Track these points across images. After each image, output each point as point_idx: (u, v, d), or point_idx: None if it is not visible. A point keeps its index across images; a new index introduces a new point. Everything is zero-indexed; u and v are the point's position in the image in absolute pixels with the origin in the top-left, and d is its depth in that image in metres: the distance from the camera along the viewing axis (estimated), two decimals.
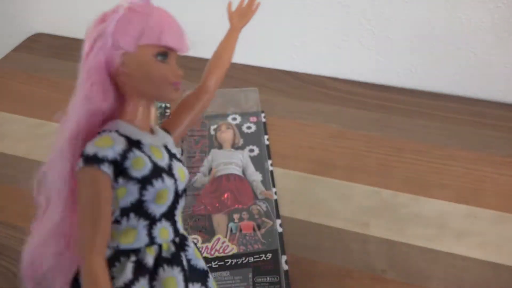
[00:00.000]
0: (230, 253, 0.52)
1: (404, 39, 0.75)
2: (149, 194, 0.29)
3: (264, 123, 0.70)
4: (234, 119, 0.69)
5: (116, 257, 0.29)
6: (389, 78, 0.80)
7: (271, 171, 0.62)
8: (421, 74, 0.78)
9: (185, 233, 0.33)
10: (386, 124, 0.71)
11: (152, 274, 0.29)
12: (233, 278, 0.50)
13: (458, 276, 0.51)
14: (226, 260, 0.51)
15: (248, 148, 0.65)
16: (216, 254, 0.52)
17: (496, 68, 0.73)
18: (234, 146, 0.65)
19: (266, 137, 0.68)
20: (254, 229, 0.54)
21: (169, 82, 0.29)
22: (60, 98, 0.82)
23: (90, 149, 0.28)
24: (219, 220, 0.55)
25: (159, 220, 0.30)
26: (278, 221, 0.55)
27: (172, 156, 0.32)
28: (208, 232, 0.54)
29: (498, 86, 0.75)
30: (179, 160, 0.32)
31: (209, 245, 0.52)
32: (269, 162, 0.64)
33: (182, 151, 0.64)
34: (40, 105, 0.76)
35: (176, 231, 0.31)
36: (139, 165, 0.29)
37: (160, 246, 0.30)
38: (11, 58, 0.89)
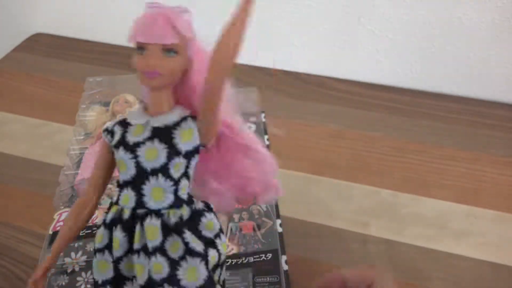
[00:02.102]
0: (230, 253, 0.52)
1: (404, 39, 0.75)
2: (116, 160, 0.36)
3: (264, 123, 0.70)
4: None
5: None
6: (389, 78, 0.80)
7: None
8: (421, 74, 0.78)
9: (167, 214, 0.34)
10: (386, 124, 0.71)
11: (109, 228, 0.35)
12: (233, 278, 0.49)
13: (458, 276, 0.51)
14: (226, 260, 0.51)
15: None
16: None
17: (496, 68, 0.73)
18: None
19: (266, 137, 0.67)
20: (254, 229, 0.54)
21: (141, 72, 0.34)
22: (60, 98, 0.83)
23: None
24: (219, 220, 0.55)
25: (125, 186, 0.35)
26: (278, 221, 0.55)
27: (157, 137, 0.35)
28: None
29: (498, 86, 0.75)
30: (165, 142, 0.34)
31: None
32: None
33: None
34: (40, 105, 0.76)
35: (140, 202, 0.34)
36: (114, 136, 0.36)
37: (122, 209, 0.35)
38: (11, 58, 0.89)
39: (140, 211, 0.34)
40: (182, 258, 0.33)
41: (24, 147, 0.68)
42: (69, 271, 0.51)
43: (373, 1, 0.72)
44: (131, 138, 0.35)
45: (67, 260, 0.51)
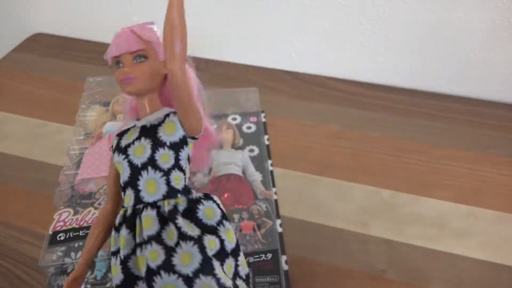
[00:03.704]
0: None
1: (404, 39, 0.75)
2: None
3: (264, 123, 0.70)
4: (234, 119, 0.69)
5: None
6: (389, 78, 0.80)
7: (271, 171, 0.62)
8: (421, 74, 0.78)
9: (163, 204, 0.36)
10: (386, 124, 0.71)
11: (118, 230, 0.37)
12: None
13: (458, 276, 0.51)
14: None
15: (248, 148, 0.65)
16: None
17: (496, 68, 0.73)
18: (234, 146, 0.65)
19: (266, 137, 0.68)
20: (254, 229, 0.54)
21: (120, 80, 0.38)
22: (60, 98, 0.83)
23: None
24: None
25: (126, 187, 0.37)
26: (278, 221, 0.55)
27: (144, 135, 0.38)
28: None
29: (498, 86, 0.75)
30: (150, 137, 0.37)
31: None
32: (269, 162, 0.64)
33: None
34: (40, 105, 0.76)
35: (138, 198, 0.36)
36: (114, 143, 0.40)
37: (126, 209, 0.37)
38: (11, 58, 0.89)
39: (139, 206, 0.36)
40: (177, 244, 0.34)
41: (24, 147, 0.68)
42: (69, 271, 0.51)
43: (373, 1, 0.72)
44: (124, 142, 0.38)
45: (67, 260, 0.51)
